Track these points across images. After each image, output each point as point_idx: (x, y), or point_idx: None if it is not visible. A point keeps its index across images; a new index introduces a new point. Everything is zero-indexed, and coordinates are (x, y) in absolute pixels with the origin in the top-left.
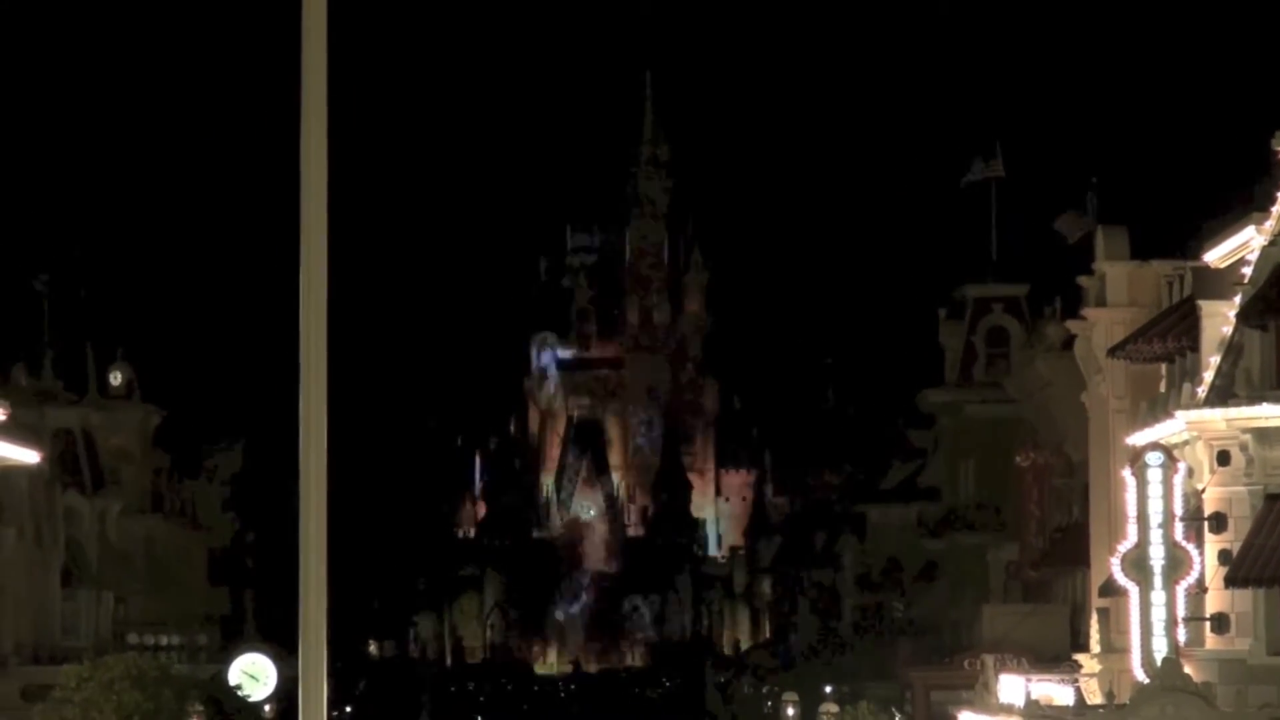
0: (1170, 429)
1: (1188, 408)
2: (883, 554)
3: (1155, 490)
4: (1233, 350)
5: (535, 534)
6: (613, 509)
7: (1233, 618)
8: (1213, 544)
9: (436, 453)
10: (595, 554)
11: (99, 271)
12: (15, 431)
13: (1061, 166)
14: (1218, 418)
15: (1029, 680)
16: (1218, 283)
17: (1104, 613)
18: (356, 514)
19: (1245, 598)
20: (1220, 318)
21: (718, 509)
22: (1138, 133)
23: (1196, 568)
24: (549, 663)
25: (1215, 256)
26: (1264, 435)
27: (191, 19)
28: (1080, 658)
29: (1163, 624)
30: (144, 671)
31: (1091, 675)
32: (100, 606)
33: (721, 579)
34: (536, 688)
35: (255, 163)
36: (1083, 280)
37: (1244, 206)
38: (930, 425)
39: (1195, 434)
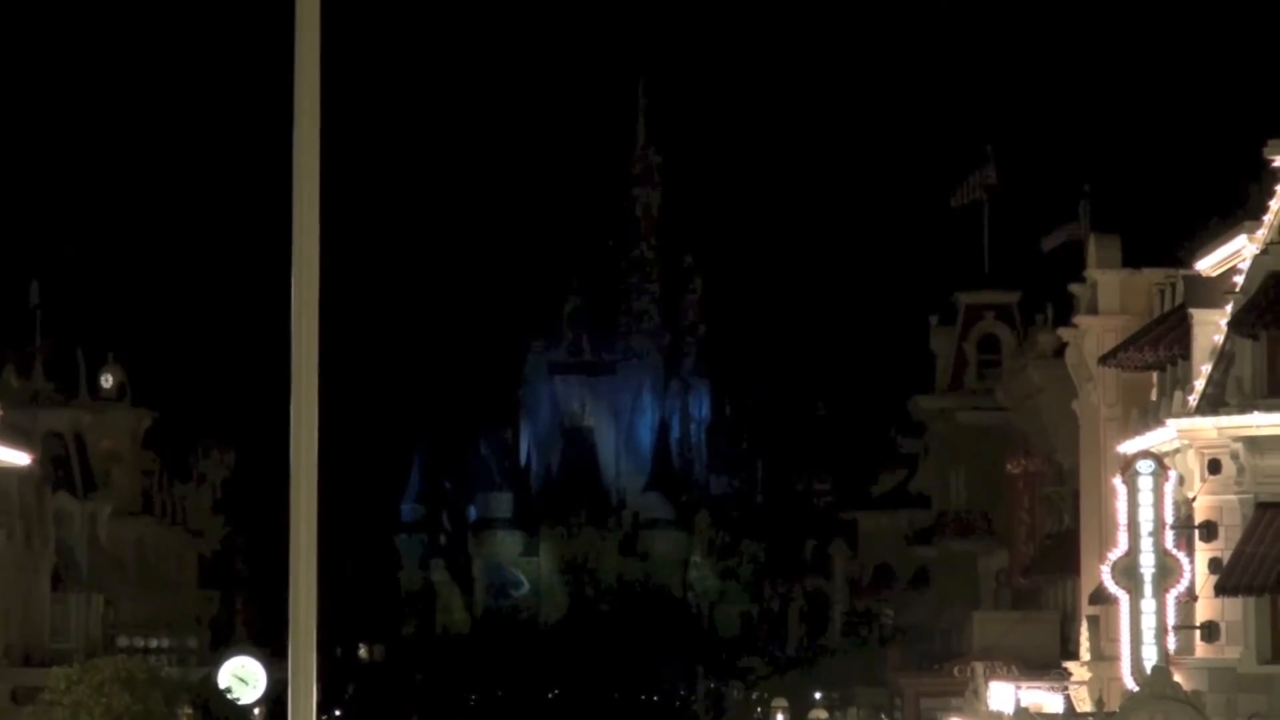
0: (1161, 437)
1: (1179, 416)
2: (873, 561)
3: (1146, 498)
4: (1224, 359)
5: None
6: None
7: (1223, 626)
8: (1203, 552)
9: (426, 457)
10: None
11: (90, 274)
12: (6, 433)
13: (1054, 175)
14: (1209, 426)
15: (1019, 688)
16: (1209, 291)
17: (1094, 620)
18: (346, 518)
19: (1235, 606)
20: (1212, 326)
21: (708, 516)
22: (1130, 141)
23: (1187, 576)
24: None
25: (1207, 265)
26: (1255, 444)
27: (182, 22)
28: (1070, 665)
29: (1153, 632)
30: (133, 674)
31: (1081, 683)
32: (90, 609)
33: (712, 585)
34: (525, 692)
35: (248, 166)
36: (1074, 288)
37: (1236, 208)
38: (921, 432)
39: (1186, 442)
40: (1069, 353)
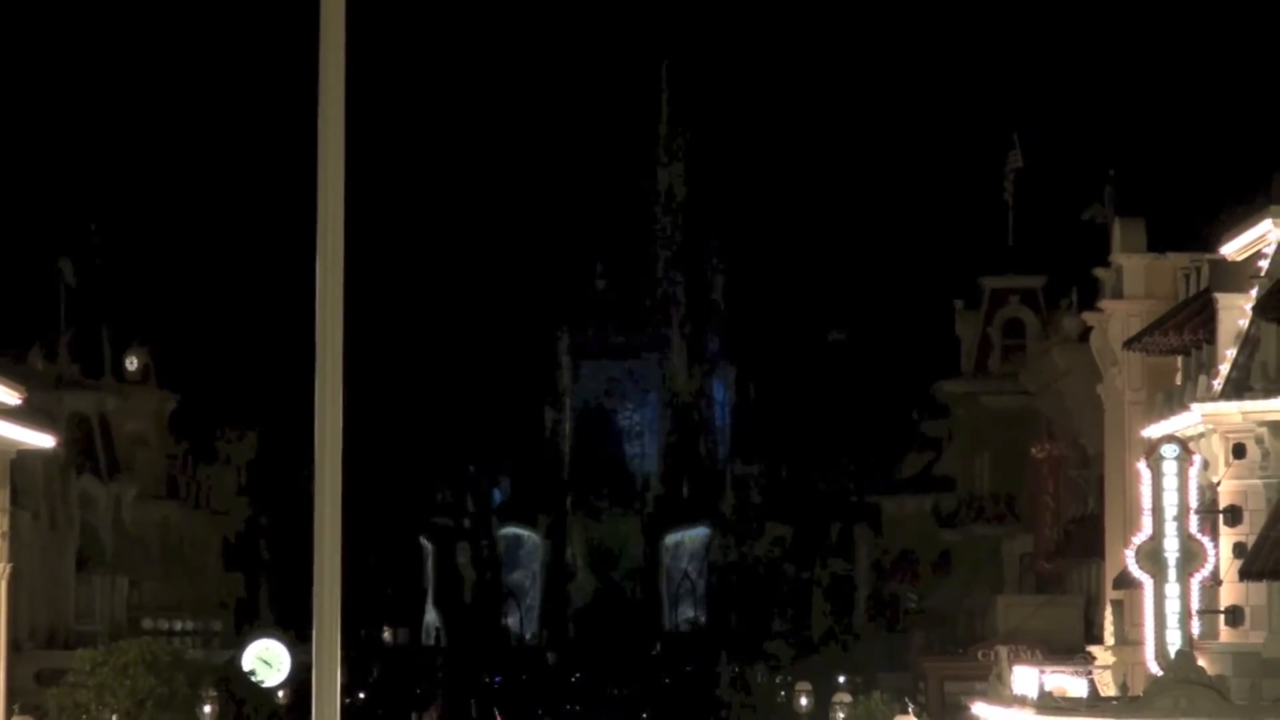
0: (1186, 421)
1: (1203, 400)
2: (897, 544)
3: (1170, 483)
4: (1249, 343)
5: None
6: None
7: (1247, 610)
8: (1227, 537)
9: (451, 439)
10: None
11: (116, 256)
12: (31, 416)
13: (1079, 159)
14: (1233, 410)
15: (1043, 672)
16: (1234, 275)
17: (1118, 605)
18: (371, 500)
19: (1260, 590)
20: (1237, 310)
21: (732, 498)
22: (1155, 126)
23: (1211, 560)
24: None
25: (1232, 249)
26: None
27: (213, 9)
28: (1094, 649)
29: (1177, 616)
30: (158, 656)
31: (1105, 667)
32: (115, 591)
33: (735, 568)
34: (548, 675)
35: (274, 149)
36: (1099, 272)
37: (1261, 192)
38: (945, 416)
39: (1211, 426)
40: (1094, 337)
